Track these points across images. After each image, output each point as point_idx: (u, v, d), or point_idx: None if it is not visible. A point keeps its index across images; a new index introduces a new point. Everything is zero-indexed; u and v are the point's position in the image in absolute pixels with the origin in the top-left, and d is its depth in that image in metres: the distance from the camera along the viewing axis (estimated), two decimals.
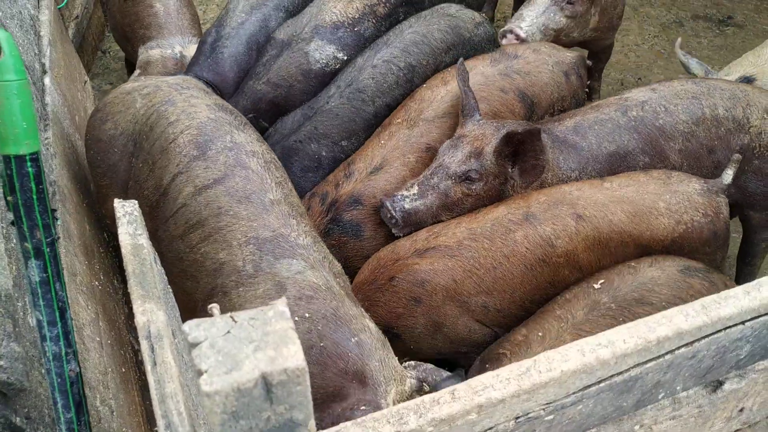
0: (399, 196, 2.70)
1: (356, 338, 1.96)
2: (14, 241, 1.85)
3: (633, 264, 2.46)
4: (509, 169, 2.69)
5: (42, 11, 3.36)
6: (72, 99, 3.34)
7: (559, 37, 3.47)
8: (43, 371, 1.72)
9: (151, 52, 3.84)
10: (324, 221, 2.82)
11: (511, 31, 3.29)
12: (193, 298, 2.15)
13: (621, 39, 4.92)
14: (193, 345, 0.78)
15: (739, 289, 1.47)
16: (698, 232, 2.57)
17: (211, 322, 0.80)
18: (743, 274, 3.34)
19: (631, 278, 2.37)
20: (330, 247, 2.78)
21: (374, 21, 3.38)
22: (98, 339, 2.31)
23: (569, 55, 3.25)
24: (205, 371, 0.76)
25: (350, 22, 3.34)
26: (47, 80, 2.92)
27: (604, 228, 2.51)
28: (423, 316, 2.52)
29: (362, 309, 2.16)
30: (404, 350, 2.63)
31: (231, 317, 0.81)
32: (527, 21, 3.31)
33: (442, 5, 3.46)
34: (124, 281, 3.05)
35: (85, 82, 3.96)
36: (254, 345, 0.77)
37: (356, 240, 2.82)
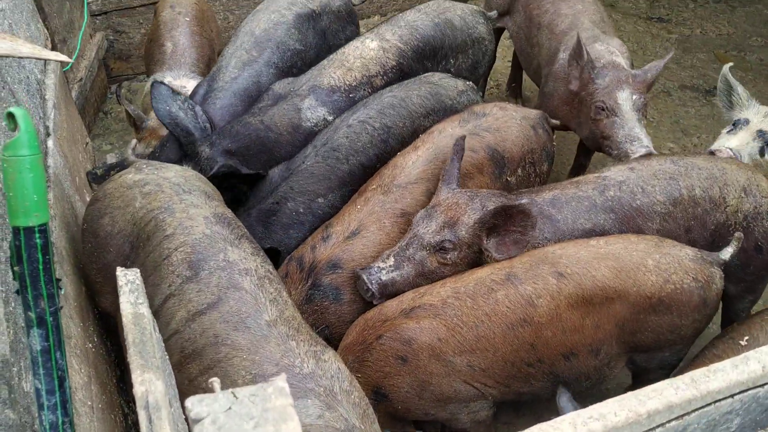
0: (375, 268, 2.75)
1: None
2: (12, 305, 1.87)
3: None
4: (484, 241, 2.72)
5: (48, 75, 3.46)
6: (73, 160, 3.40)
7: None
8: None
9: (148, 85, 4.02)
10: (304, 287, 2.86)
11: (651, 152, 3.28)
12: None
13: None
14: (196, 421, 0.80)
15: (727, 363, 1.50)
16: (687, 295, 2.57)
17: (213, 398, 0.82)
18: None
19: None
20: (312, 312, 2.84)
21: (370, 91, 3.51)
22: (90, 403, 2.30)
23: (533, 112, 3.35)
24: None
25: (346, 88, 3.47)
26: (50, 143, 2.99)
27: (586, 284, 2.52)
28: (409, 375, 2.53)
29: None
30: (393, 412, 2.63)
31: (233, 393, 0.83)
32: (645, 140, 3.32)
33: (427, 74, 3.59)
34: (115, 343, 3.05)
35: (87, 143, 4.03)
36: (254, 422, 0.79)
37: (337, 304, 2.85)
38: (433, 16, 3.76)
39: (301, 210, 3.13)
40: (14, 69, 2.85)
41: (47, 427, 1.25)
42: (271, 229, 3.12)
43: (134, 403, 3.01)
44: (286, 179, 3.18)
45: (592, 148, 3.77)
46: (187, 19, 4.30)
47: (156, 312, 2.17)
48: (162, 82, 3.42)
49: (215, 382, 0.91)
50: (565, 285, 2.51)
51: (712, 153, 3.21)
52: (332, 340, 2.80)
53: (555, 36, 3.90)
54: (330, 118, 3.40)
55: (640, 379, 2.85)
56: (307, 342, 2.14)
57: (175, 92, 3.40)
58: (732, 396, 1.50)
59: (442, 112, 3.42)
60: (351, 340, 2.66)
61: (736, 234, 2.69)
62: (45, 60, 3.36)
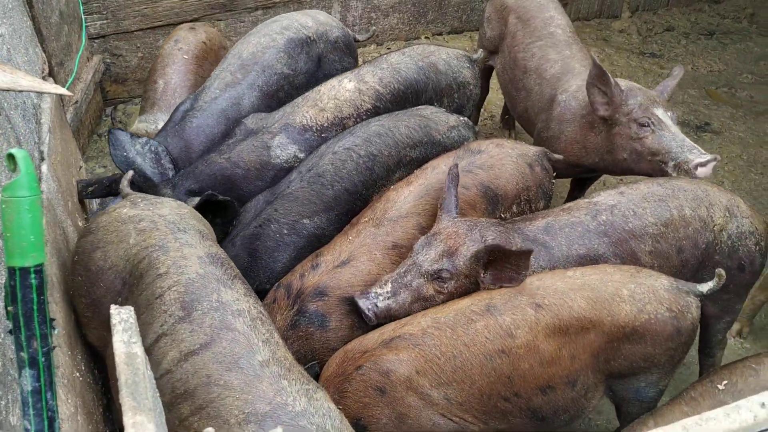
0: (372, 294, 2.76)
1: None
2: (2, 336, 1.85)
3: (753, 365, 2.48)
4: (481, 273, 2.73)
5: (44, 99, 3.46)
6: (67, 185, 3.40)
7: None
8: None
9: (138, 125, 4.02)
10: (290, 313, 2.86)
11: (709, 162, 3.27)
12: None
13: None
14: None
15: (719, 411, 1.50)
16: (661, 325, 2.59)
17: None
18: (705, 366, 3.41)
19: (754, 380, 2.41)
20: (297, 338, 2.84)
21: (340, 130, 3.53)
22: None
23: (532, 149, 3.37)
24: None
25: (318, 128, 3.50)
26: (44, 168, 2.98)
27: (563, 315, 2.54)
28: (387, 407, 2.53)
29: None
30: None
31: None
32: (696, 150, 3.33)
33: (419, 107, 3.61)
34: (102, 371, 3.02)
35: (80, 167, 4.02)
36: None
37: (322, 331, 2.86)
38: (417, 60, 3.78)
39: (285, 231, 3.14)
40: (11, 94, 2.85)
41: None
42: (257, 254, 3.13)
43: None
44: (271, 203, 3.19)
45: (622, 173, 3.77)
46: (186, 56, 4.24)
47: (147, 350, 2.15)
48: (120, 129, 3.45)
49: None
50: (543, 316, 2.54)
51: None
52: (320, 373, 2.79)
53: (546, 81, 3.94)
54: (301, 155, 3.43)
55: (622, 412, 2.86)
56: (298, 381, 2.14)
57: (134, 137, 3.42)
58: None
59: (430, 145, 3.45)
60: (331, 372, 2.66)
61: (718, 270, 2.73)
62: (52, 92, 3.37)
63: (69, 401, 2.29)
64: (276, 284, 3.01)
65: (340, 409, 2.27)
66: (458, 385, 2.53)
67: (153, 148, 3.43)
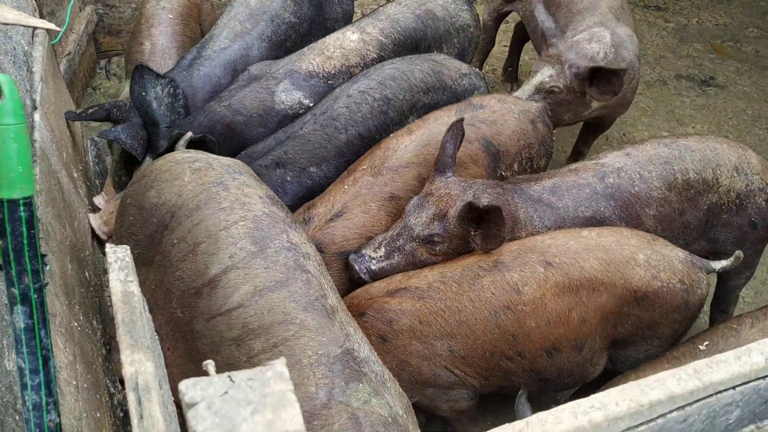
0: (366, 257, 2.73)
1: None
2: None
3: (734, 326, 2.49)
4: (472, 232, 2.68)
5: (35, 47, 3.37)
6: (61, 135, 3.32)
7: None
8: (17, 418, 1.66)
9: (126, 89, 3.89)
10: None
11: None
12: None
13: None
14: (190, 405, 0.76)
15: (730, 354, 1.47)
16: (672, 295, 2.56)
17: (208, 382, 0.78)
18: (718, 321, 3.40)
19: (734, 340, 2.41)
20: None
21: (347, 78, 3.46)
22: (74, 383, 2.25)
23: (534, 105, 3.31)
24: None
25: (325, 75, 3.43)
26: (37, 116, 2.91)
27: (574, 274, 2.49)
28: (388, 354, 2.53)
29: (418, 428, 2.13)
30: None
31: (229, 377, 0.78)
32: None
33: (431, 53, 3.56)
34: (103, 321, 3.00)
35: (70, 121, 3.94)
36: (252, 407, 0.75)
37: None
38: (413, 8, 3.71)
39: (288, 179, 3.08)
40: (0, 39, 2.77)
41: (30, 407, 1.20)
42: None
43: (121, 383, 2.98)
44: (282, 143, 3.12)
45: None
46: (171, 16, 4.07)
47: (212, 279, 2.13)
48: (148, 68, 3.33)
49: (210, 365, 0.87)
50: (552, 274, 2.49)
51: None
52: None
53: (571, 14, 3.91)
54: (306, 101, 3.35)
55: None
56: (359, 330, 2.20)
57: (160, 77, 3.32)
58: (734, 387, 1.47)
59: (441, 91, 3.38)
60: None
61: (737, 252, 2.68)
62: (31, 28, 3.27)
63: (67, 350, 2.26)
64: None
65: None
66: (462, 339, 2.50)
67: (171, 92, 3.35)
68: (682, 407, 1.43)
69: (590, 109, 3.59)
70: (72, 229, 2.90)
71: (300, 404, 1.94)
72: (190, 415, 0.75)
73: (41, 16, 3.96)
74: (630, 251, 2.56)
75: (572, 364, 2.60)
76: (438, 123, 3.06)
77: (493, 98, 3.23)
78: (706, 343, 2.54)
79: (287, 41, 3.73)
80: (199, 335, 2.17)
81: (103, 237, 3.29)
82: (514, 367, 2.57)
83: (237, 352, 2.06)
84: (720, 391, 1.46)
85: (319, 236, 2.81)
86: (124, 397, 2.93)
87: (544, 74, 3.44)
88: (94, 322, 2.86)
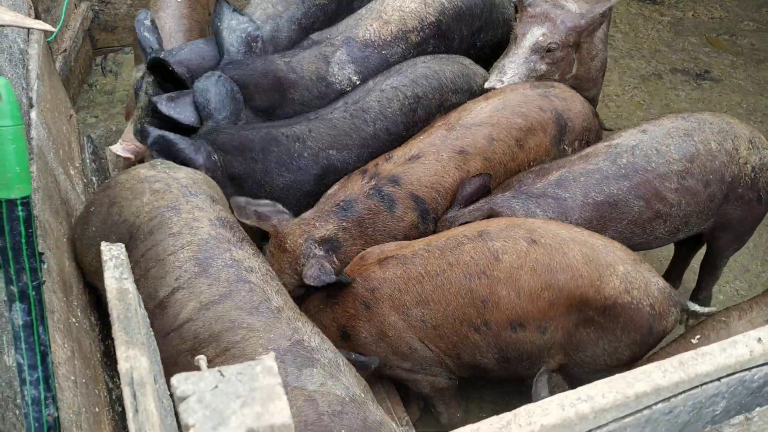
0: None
1: None
2: None
3: (723, 318, 2.52)
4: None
5: (31, 45, 3.39)
6: (57, 133, 3.35)
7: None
8: (17, 413, 1.69)
9: (136, 74, 3.90)
10: (367, 186, 2.96)
11: (493, 88, 3.30)
12: None
13: (602, 89, 5.03)
14: (181, 399, 0.78)
15: (715, 346, 1.50)
16: (638, 315, 2.55)
17: (199, 377, 0.81)
18: (706, 281, 3.52)
19: (725, 332, 2.44)
20: (366, 209, 2.92)
21: (404, 47, 3.49)
22: (73, 378, 2.28)
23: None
24: (192, 426, 0.76)
25: (380, 44, 3.44)
26: (33, 114, 2.93)
27: (555, 258, 2.51)
28: (369, 322, 2.65)
29: (379, 406, 2.25)
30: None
31: (219, 371, 0.81)
32: (509, 74, 3.34)
33: (454, 55, 3.55)
34: (100, 318, 3.03)
35: (71, 115, 3.96)
36: (241, 400, 0.78)
37: (388, 213, 2.95)
38: None
39: (306, 155, 3.11)
40: None
41: (29, 402, 1.23)
42: (267, 157, 3.10)
43: (119, 378, 3.00)
44: (310, 120, 3.17)
45: None
46: (178, 0, 4.13)
47: (162, 303, 2.29)
48: (227, 2, 3.43)
49: (201, 359, 0.89)
50: (534, 251, 2.52)
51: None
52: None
53: None
54: (355, 78, 3.39)
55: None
56: (310, 324, 2.33)
57: (238, 13, 3.43)
58: (719, 379, 1.50)
59: (468, 93, 3.43)
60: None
61: (712, 309, 2.74)
62: (28, 28, 3.29)
63: (65, 345, 2.29)
64: (350, 173, 3.11)
65: (333, 311, 2.56)
66: (435, 305, 2.57)
67: (246, 32, 3.42)
68: (668, 399, 1.46)
69: (571, 72, 3.57)
70: (69, 226, 2.92)
71: None
72: (181, 408, 0.78)
73: (37, 13, 3.98)
74: (613, 259, 2.55)
75: (533, 346, 2.62)
76: (514, 93, 3.19)
77: (563, 85, 3.37)
78: (698, 336, 2.57)
79: (315, 23, 3.74)
80: (158, 350, 2.33)
81: (130, 156, 3.44)
82: (480, 340, 2.60)
83: (193, 361, 2.16)
84: (705, 383, 1.49)
85: (400, 171, 2.96)
86: (122, 394, 2.96)
87: (535, 34, 3.35)
88: (92, 318, 2.89)
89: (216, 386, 0.80)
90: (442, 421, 2.97)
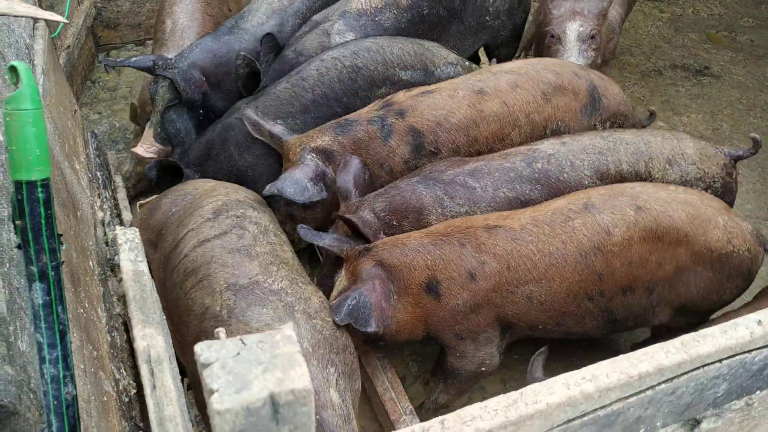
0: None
1: (318, 416, 1.99)
2: (7, 266, 1.86)
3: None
4: None
5: (36, 41, 3.41)
6: (62, 127, 3.37)
7: None
8: (31, 396, 1.72)
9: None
10: (374, 113, 3.13)
11: None
12: (185, 342, 2.35)
13: None
14: (205, 365, 0.81)
15: (716, 328, 1.53)
16: (740, 261, 2.70)
17: (221, 344, 0.84)
18: None
19: None
20: (366, 133, 3.07)
21: (395, 12, 3.62)
22: (82, 367, 2.30)
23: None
24: (216, 390, 0.79)
25: (372, 11, 3.60)
26: None
27: (663, 221, 2.60)
28: (469, 293, 2.58)
29: (329, 371, 2.22)
30: (426, 318, 2.65)
31: (241, 340, 0.84)
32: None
33: (425, 41, 3.65)
34: (107, 310, 3.06)
35: (75, 111, 3.99)
36: (263, 366, 0.81)
37: (382, 142, 3.08)
38: None
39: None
40: (4, 32, 2.81)
41: (49, 380, 1.26)
42: (226, 144, 3.29)
43: (125, 369, 3.03)
44: (255, 98, 3.34)
45: None
46: None
47: (176, 244, 2.54)
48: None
49: (221, 332, 0.92)
50: (642, 218, 2.59)
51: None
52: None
53: None
54: None
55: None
56: (291, 272, 2.42)
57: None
58: (720, 361, 1.53)
59: (422, 72, 3.52)
60: (436, 228, 2.70)
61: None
62: (40, 19, 3.32)
63: (75, 335, 2.31)
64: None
65: (428, 257, 2.54)
66: (547, 282, 2.58)
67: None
68: (671, 379, 1.49)
69: (604, 56, 3.85)
70: (75, 219, 2.94)
71: (208, 322, 2.18)
72: (205, 373, 0.81)
73: None
74: (712, 212, 2.68)
75: (640, 306, 2.72)
76: (544, 61, 3.35)
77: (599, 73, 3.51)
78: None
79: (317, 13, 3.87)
80: (167, 288, 2.54)
81: (153, 156, 3.56)
82: (592, 307, 2.67)
83: (180, 292, 2.40)
84: (707, 364, 1.52)
85: (408, 104, 3.09)
86: (129, 383, 3.00)
87: (573, 27, 3.60)
88: (99, 310, 2.92)
89: (238, 353, 0.83)
90: (440, 400, 2.95)
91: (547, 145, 3.00)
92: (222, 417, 0.78)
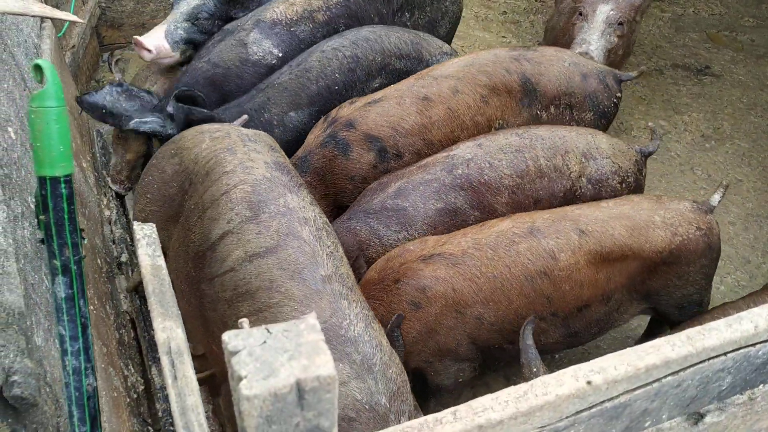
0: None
1: None
2: (22, 262, 1.89)
3: (732, 312, 2.58)
4: None
5: (44, 40, 3.44)
6: (69, 126, 3.40)
7: (607, 57, 3.76)
8: (47, 390, 1.75)
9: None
10: (323, 134, 3.16)
11: (586, 53, 3.55)
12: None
13: None
14: (233, 353, 0.84)
15: (721, 322, 1.56)
16: (694, 244, 2.72)
17: (248, 333, 0.86)
18: None
19: None
20: (322, 157, 3.11)
21: (311, 26, 3.65)
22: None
23: (596, 65, 3.53)
24: (245, 377, 0.82)
25: (287, 22, 3.62)
26: None
27: (606, 242, 2.63)
28: (419, 322, 2.60)
29: (404, 416, 2.07)
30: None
31: (266, 329, 0.87)
32: (593, 44, 3.60)
33: (417, 31, 3.74)
34: (115, 307, 3.09)
35: (81, 111, 4.01)
36: (288, 354, 0.84)
37: (343, 157, 3.13)
38: None
39: (275, 122, 3.34)
40: (13, 32, 2.84)
41: (70, 371, 1.28)
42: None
43: (133, 365, 3.06)
44: (263, 90, 3.37)
45: None
46: None
47: (213, 246, 2.20)
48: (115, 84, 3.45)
49: (244, 322, 0.95)
50: (586, 242, 2.62)
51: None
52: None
53: None
54: (275, 51, 3.56)
55: (672, 321, 2.99)
56: (359, 304, 2.15)
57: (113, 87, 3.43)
58: (725, 354, 1.56)
59: (417, 61, 3.58)
60: (370, 278, 2.72)
61: (724, 182, 2.88)
62: (50, 19, 3.35)
63: None
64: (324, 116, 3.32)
65: (376, 315, 2.32)
66: (495, 305, 2.59)
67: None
68: (677, 372, 1.52)
69: (629, 47, 3.94)
70: (83, 217, 2.98)
71: None
72: (233, 361, 0.84)
73: None
74: (647, 215, 2.71)
75: (600, 314, 2.76)
76: (488, 52, 3.40)
77: (553, 48, 3.52)
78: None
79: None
80: (204, 293, 2.27)
81: (150, 49, 3.61)
82: (546, 326, 2.69)
83: (229, 312, 2.13)
84: (712, 357, 1.55)
85: (356, 115, 3.14)
86: (137, 380, 3.03)
87: (604, 9, 3.65)
88: (107, 307, 2.95)
89: (264, 342, 0.85)
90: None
91: (464, 150, 3.02)
92: (251, 402, 0.81)
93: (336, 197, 3.25)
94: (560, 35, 3.99)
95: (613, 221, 2.66)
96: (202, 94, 3.27)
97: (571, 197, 3.03)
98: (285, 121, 3.33)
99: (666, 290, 2.80)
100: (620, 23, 3.68)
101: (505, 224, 2.69)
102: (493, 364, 2.89)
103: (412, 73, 3.48)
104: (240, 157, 2.39)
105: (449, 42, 4.47)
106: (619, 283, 2.70)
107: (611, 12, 3.64)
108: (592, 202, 2.85)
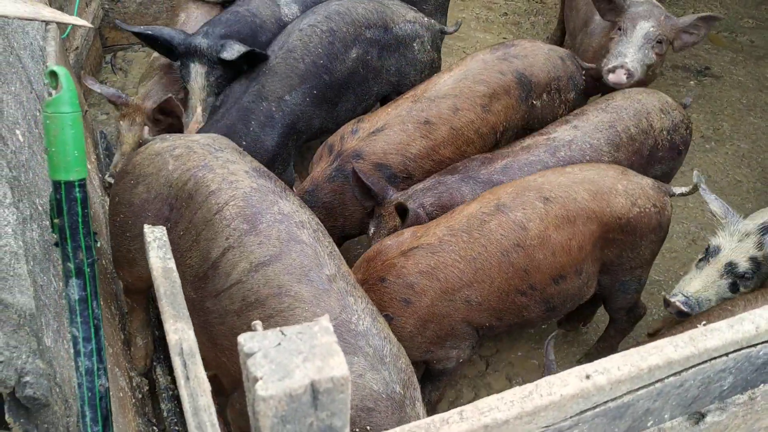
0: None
1: None
2: (32, 263, 1.91)
3: (729, 307, 2.66)
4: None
5: (49, 42, 3.46)
6: None
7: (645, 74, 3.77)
8: (57, 390, 1.77)
9: (161, 60, 3.96)
10: (331, 168, 3.20)
11: (621, 66, 3.56)
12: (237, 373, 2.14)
13: None
14: (248, 355, 0.86)
15: (723, 323, 1.58)
16: (648, 218, 2.83)
17: (262, 335, 0.89)
18: None
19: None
20: (330, 191, 3.19)
21: None
22: None
23: (561, 48, 3.69)
24: (261, 378, 0.84)
25: None
26: None
27: (570, 206, 2.72)
28: (413, 316, 2.67)
29: (417, 402, 2.15)
30: None
31: (281, 331, 0.89)
32: (629, 57, 3.59)
33: None
34: (119, 309, 3.11)
35: (85, 111, 4.04)
36: (303, 356, 0.86)
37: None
38: None
39: (274, 109, 3.39)
40: (19, 35, 2.86)
41: (83, 372, 1.31)
42: (250, 126, 3.37)
43: (134, 368, 3.07)
44: (255, 79, 3.43)
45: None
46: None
47: (214, 263, 2.22)
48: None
49: (258, 324, 0.97)
50: (552, 208, 2.70)
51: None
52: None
53: (588, 2, 4.16)
54: (299, 14, 3.73)
55: (610, 307, 3.15)
56: (363, 299, 2.21)
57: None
58: (727, 354, 1.58)
59: (383, 29, 3.66)
60: (355, 279, 2.75)
61: (697, 177, 2.97)
62: (67, 24, 3.37)
63: None
64: (323, 143, 3.36)
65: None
66: (479, 285, 2.67)
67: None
68: (679, 372, 1.54)
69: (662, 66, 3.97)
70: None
71: None
72: (249, 362, 0.86)
73: None
74: (611, 182, 2.81)
75: (574, 288, 2.84)
76: (474, 60, 3.43)
77: (525, 40, 3.60)
78: (704, 322, 2.67)
79: None
80: (209, 310, 2.29)
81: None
82: (527, 301, 2.77)
83: (239, 322, 2.16)
84: (714, 358, 1.57)
85: (363, 146, 3.17)
86: (141, 380, 3.05)
87: (645, 26, 3.63)
88: (112, 308, 2.97)
89: (279, 344, 0.88)
90: (433, 399, 3.05)
91: (562, 132, 3.17)
92: (266, 403, 0.83)
93: (344, 229, 3.31)
94: (598, 51, 3.93)
95: (577, 186, 2.77)
96: (265, 54, 3.44)
97: (655, 151, 3.24)
98: (283, 106, 3.39)
99: (619, 261, 2.90)
100: (659, 41, 3.64)
101: (472, 206, 2.77)
102: (485, 339, 3.00)
103: (380, 42, 3.60)
104: (219, 172, 2.36)
105: (444, 13, 4.50)
106: (587, 251, 2.78)
107: (652, 28, 3.61)
108: (557, 167, 2.96)
